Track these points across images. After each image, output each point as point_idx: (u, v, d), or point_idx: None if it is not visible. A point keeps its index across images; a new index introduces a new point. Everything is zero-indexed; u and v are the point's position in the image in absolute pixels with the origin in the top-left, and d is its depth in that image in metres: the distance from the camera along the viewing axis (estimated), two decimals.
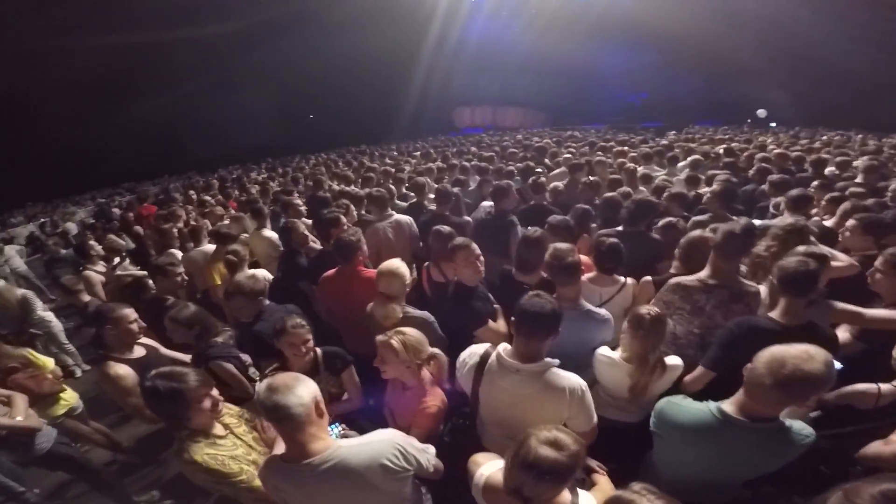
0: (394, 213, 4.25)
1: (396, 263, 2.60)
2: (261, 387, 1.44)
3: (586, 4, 21.54)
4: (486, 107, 26.99)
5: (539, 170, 5.77)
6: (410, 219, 4.19)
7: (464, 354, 2.06)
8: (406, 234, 4.11)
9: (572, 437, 1.31)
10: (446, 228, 3.18)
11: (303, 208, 4.78)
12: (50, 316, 4.85)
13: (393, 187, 5.79)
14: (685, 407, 1.68)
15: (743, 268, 2.59)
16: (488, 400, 1.94)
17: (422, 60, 22.68)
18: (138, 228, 6.65)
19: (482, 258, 2.68)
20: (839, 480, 1.56)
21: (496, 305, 2.72)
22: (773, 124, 17.76)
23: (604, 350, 2.23)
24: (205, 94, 19.22)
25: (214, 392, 1.83)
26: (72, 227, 9.01)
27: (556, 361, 1.86)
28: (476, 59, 23.83)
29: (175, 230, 5.16)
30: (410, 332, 2.12)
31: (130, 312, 2.61)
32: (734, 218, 3.55)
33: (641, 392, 2.07)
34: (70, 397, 3.34)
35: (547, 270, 2.43)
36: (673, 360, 2.13)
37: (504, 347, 1.93)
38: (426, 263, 3.39)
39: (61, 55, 15.26)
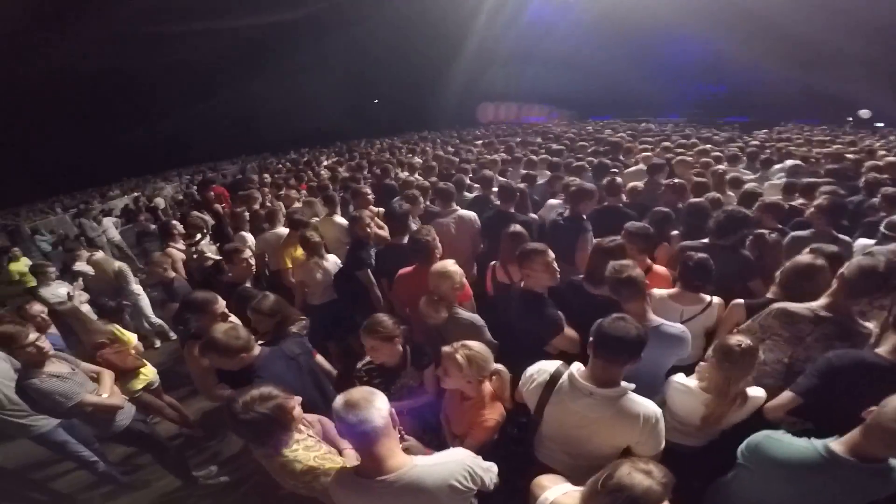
0: (458, 207, 4.21)
1: (448, 264, 2.59)
2: (338, 404, 1.45)
3: None
4: (511, 103, 26.16)
5: (614, 169, 5.45)
6: (474, 214, 4.12)
7: (531, 370, 2.01)
8: (469, 230, 4.05)
9: (663, 469, 1.25)
10: (520, 230, 3.09)
11: (371, 197, 4.85)
12: (139, 289, 5.28)
13: (460, 179, 5.73)
14: (787, 443, 1.63)
15: None
16: (555, 419, 1.89)
17: (465, 53, 22.40)
18: (218, 207, 7.09)
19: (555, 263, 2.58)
20: None
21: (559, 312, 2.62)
22: (881, 124, 15.69)
23: (680, 378, 2.12)
24: (278, 80, 20.21)
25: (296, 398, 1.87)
26: (160, 202, 9.85)
27: (632, 386, 1.79)
28: (515, 53, 23.13)
29: (248, 214, 5.42)
30: (476, 346, 2.09)
31: (219, 303, 2.73)
32: (840, 236, 3.21)
33: (716, 423, 1.98)
34: (149, 372, 3.53)
35: (609, 287, 2.30)
36: (755, 392, 2.00)
37: (578, 368, 1.87)
38: (493, 263, 3.33)
39: (161, 41, 16.55)
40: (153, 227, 7.01)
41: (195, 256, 4.98)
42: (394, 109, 22.96)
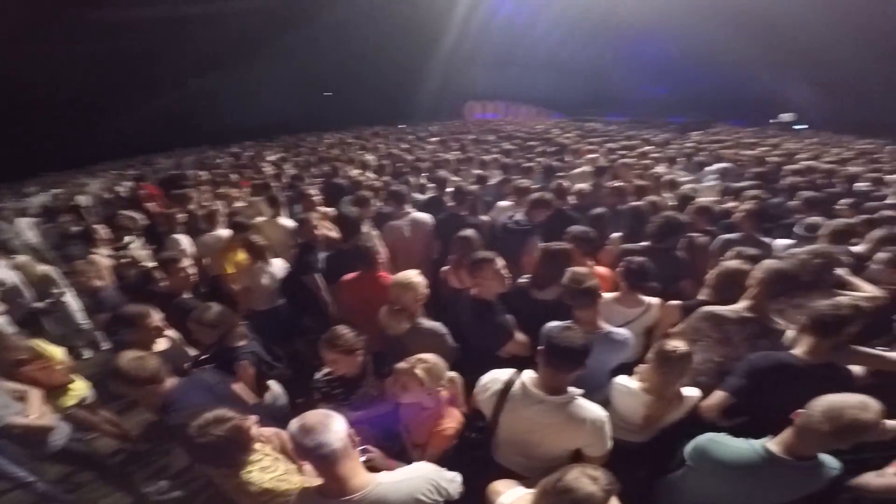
0: (412, 210, 4.16)
1: (411, 275, 2.56)
2: (294, 429, 1.44)
3: None
4: (499, 102, 26.42)
5: (561, 171, 5.61)
6: (430, 217, 4.10)
7: (485, 379, 2.06)
8: (424, 233, 4.03)
9: (610, 477, 1.32)
10: (472, 234, 3.10)
11: (317, 197, 4.69)
12: (68, 296, 4.81)
13: (413, 179, 5.69)
14: (730, 446, 1.76)
15: None
16: (509, 425, 1.97)
17: (438, 49, 22.21)
18: (150, 206, 6.60)
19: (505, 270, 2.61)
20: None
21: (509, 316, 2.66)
22: (800, 127, 17.25)
23: (622, 379, 2.24)
24: (221, 68, 19.02)
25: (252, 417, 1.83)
26: (83, 201, 9.00)
27: (580, 391, 1.89)
28: (493, 53, 23.31)
29: (183, 214, 5.09)
30: (431, 357, 2.10)
31: (153, 316, 2.59)
32: (766, 240, 3.47)
33: (656, 422, 2.12)
34: (80, 387, 3.28)
35: (564, 294, 2.38)
36: (691, 392, 2.15)
37: (529, 377, 1.94)
38: (444, 268, 3.32)
39: (83, 29, 15.07)
40: (75, 229, 6.40)
41: (125, 261, 4.61)
42: (348, 103, 22.26)
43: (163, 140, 16.10)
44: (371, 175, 6.22)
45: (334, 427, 1.43)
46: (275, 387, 2.87)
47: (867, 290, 2.65)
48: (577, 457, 1.94)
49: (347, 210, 3.77)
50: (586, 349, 1.81)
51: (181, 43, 17.21)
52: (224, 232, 4.49)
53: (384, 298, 2.71)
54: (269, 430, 2.05)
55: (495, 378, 2.02)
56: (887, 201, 4.51)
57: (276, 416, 2.50)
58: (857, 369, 2.30)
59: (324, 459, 1.41)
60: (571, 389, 1.87)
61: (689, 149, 7.67)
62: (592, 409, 1.87)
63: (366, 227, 3.92)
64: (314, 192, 4.74)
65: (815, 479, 1.68)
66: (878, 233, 3.20)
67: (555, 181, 4.56)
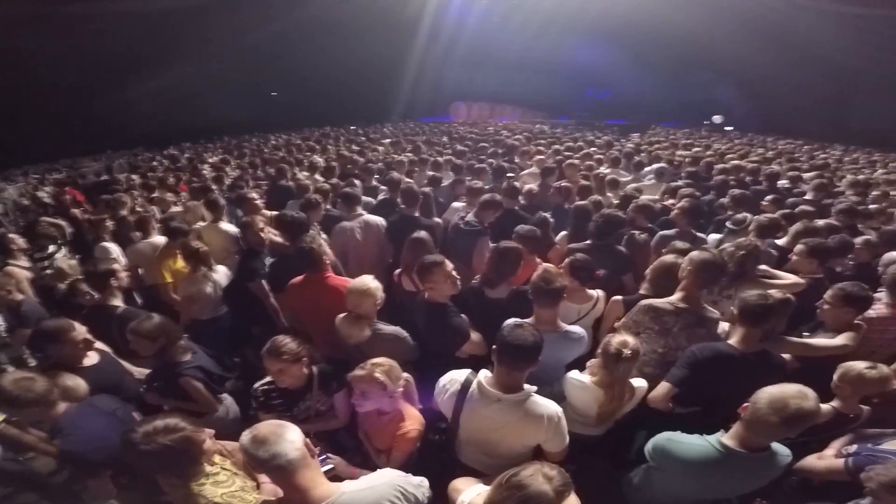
0: (363, 212, 4.09)
1: (367, 281, 2.50)
2: (245, 441, 1.39)
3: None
4: (484, 103, 26.43)
5: (510, 172, 5.72)
6: (382, 220, 4.04)
7: (444, 380, 2.06)
8: (376, 236, 3.97)
9: (566, 477, 1.33)
10: (423, 236, 3.09)
11: (260, 202, 4.50)
12: None
13: (363, 181, 5.59)
14: (687, 444, 1.81)
15: None
16: (469, 425, 1.98)
17: (411, 44, 21.86)
18: (76, 212, 6.08)
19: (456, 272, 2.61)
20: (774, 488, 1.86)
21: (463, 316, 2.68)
22: (729, 128, 18.76)
23: (575, 374, 2.29)
24: (156, 62, 17.75)
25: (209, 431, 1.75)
26: None
27: (534, 388, 1.91)
28: (469, 54, 23.33)
29: (112, 221, 4.74)
30: (384, 360, 2.08)
31: (77, 330, 2.40)
32: (700, 235, 3.71)
33: (610, 416, 2.19)
34: None
35: (532, 292, 2.41)
36: (639, 383, 2.24)
37: (485, 376, 1.95)
38: (397, 271, 3.29)
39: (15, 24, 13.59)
40: None
41: (48, 272, 4.21)
42: (300, 103, 21.36)
43: (91, 142, 14.84)
44: (319, 177, 6.05)
45: (288, 436, 1.39)
46: (227, 399, 2.73)
47: (788, 280, 2.90)
48: (538, 453, 1.97)
49: (293, 213, 3.64)
50: (538, 346, 1.83)
51: (110, 39, 15.95)
52: (159, 239, 4.22)
53: (333, 300, 2.64)
54: (233, 444, 1.94)
55: (453, 379, 2.02)
56: (805, 197, 4.96)
57: (230, 429, 2.38)
58: (786, 356, 2.48)
59: (280, 471, 1.36)
60: (527, 387, 1.89)
61: (630, 150, 8.08)
62: (548, 406, 1.90)
63: (314, 231, 3.81)
64: (258, 196, 4.54)
65: (771, 468, 1.76)
66: (797, 226, 3.51)
67: (505, 182, 4.63)
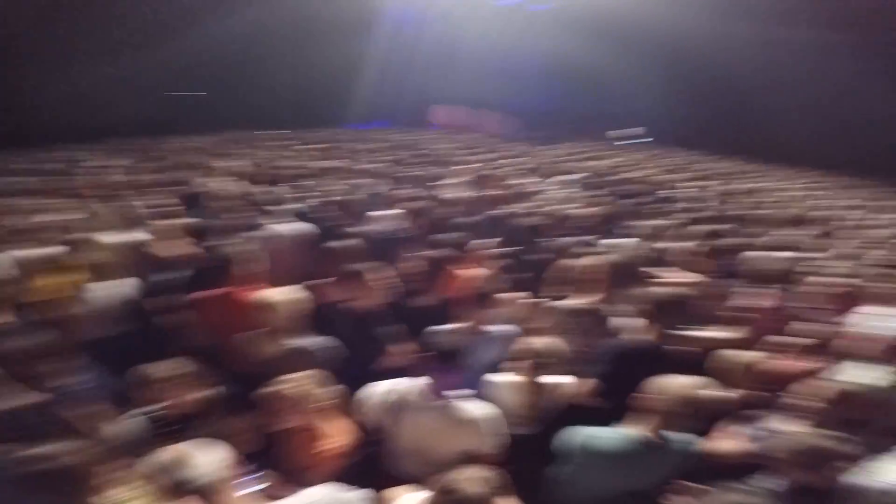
0: (285, 220, 3.91)
1: (284, 291, 2.40)
2: (155, 464, 1.33)
3: None
4: (463, 108, 26.17)
5: (438, 183, 5.83)
6: (302, 227, 3.89)
7: (371, 391, 2.03)
8: (300, 244, 3.79)
9: (502, 478, 1.36)
10: (343, 245, 3.02)
11: (170, 208, 4.12)
12: None
13: (279, 188, 5.35)
14: (604, 437, 1.88)
15: None
16: (402, 435, 1.94)
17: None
18: None
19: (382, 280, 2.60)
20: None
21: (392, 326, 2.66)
22: (633, 141, 20.70)
23: (501, 375, 2.34)
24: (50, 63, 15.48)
25: None
26: None
27: (466, 392, 1.94)
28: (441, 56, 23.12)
29: None
30: (301, 376, 1.99)
31: None
32: (610, 240, 4.01)
33: (536, 412, 2.24)
34: None
35: (465, 297, 2.49)
36: (564, 380, 2.32)
37: (414, 384, 1.94)
38: (321, 280, 3.18)
39: None
40: None
41: None
42: (227, 101, 19.70)
43: None
44: (237, 183, 5.70)
45: (205, 457, 1.34)
46: (129, 421, 2.45)
47: (686, 278, 3.22)
48: (475, 457, 1.95)
49: (206, 221, 3.39)
50: (466, 351, 1.88)
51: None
52: (48, 250, 3.71)
53: (250, 314, 2.50)
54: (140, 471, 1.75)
55: (381, 390, 1.99)
56: (705, 203, 5.58)
57: (136, 453, 2.14)
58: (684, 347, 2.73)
59: (198, 495, 1.29)
60: (458, 391, 1.90)
61: (551, 160, 8.60)
62: (479, 409, 1.93)
63: (230, 240, 3.59)
64: (166, 202, 4.17)
65: (683, 455, 1.84)
66: (695, 230, 3.93)
67: (433, 190, 4.70)
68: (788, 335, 2.78)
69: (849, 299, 2.97)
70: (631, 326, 2.65)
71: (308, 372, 2.01)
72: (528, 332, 2.82)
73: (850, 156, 13.96)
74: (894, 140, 13.94)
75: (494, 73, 24.00)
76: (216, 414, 2.16)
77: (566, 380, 2.34)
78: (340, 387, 2.16)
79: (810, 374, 2.32)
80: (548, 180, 7.07)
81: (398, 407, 1.92)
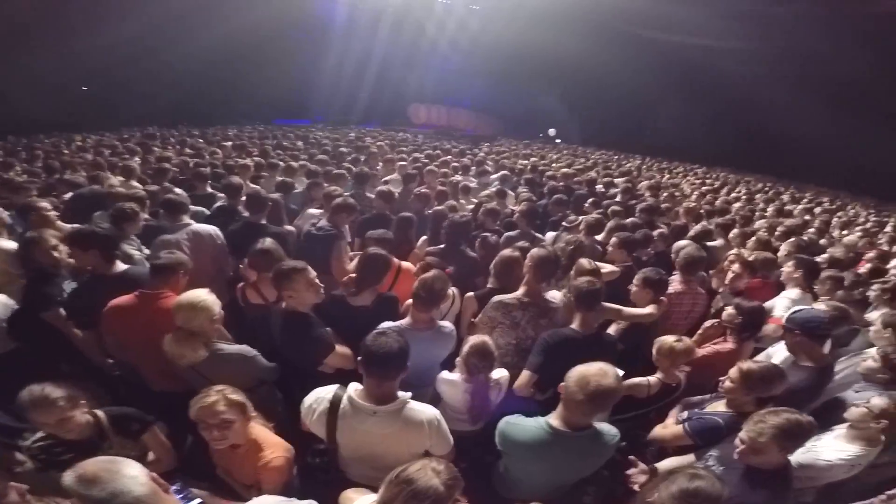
0: (192, 221, 3.57)
1: (199, 294, 2.19)
2: (71, 482, 1.20)
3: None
4: (442, 107, 25.16)
5: (371, 181, 5.67)
6: (215, 230, 3.57)
7: (309, 399, 1.89)
8: (210, 247, 3.50)
9: (454, 472, 1.34)
10: (271, 245, 2.81)
11: (52, 213, 3.57)
12: None
13: (195, 188, 4.91)
14: (521, 426, 1.88)
15: None
16: (348, 443, 1.85)
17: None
18: None
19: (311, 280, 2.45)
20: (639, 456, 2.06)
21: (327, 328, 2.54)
22: (559, 141, 22.03)
23: (445, 374, 2.36)
24: None
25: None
26: None
27: (409, 395, 1.87)
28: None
29: None
30: (225, 387, 1.85)
31: None
32: (538, 235, 4.14)
33: (482, 410, 2.28)
34: None
35: (423, 293, 2.38)
36: (500, 373, 2.37)
37: (355, 390, 1.83)
38: (240, 284, 2.96)
39: None
40: None
41: None
42: (123, 99, 17.46)
43: None
44: (136, 184, 5.13)
45: (127, 471, 1.23)
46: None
47: (606, 269, 3.42)
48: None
49: (99, 226, 3.00)
50: (404, 352, 1.78)
51: None
52: None
53: (169, 323, 2.24)
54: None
55: (320, 397, 1.87)
56: (616, 199, 5.96)
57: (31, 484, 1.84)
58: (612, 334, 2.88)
59: None
60: (401, 394, 1.83)
61: (479, 158, 8.77)
62: (425, 411, 1.86)
63: (128, 245, 3.23)
64: (45, 205, 3.61)
65: (599, 447, 1.84)
66: (610, 223, 4.19)
67: (365, 188, 4.57)
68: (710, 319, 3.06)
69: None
70: (556, 311, 2.76)
71: (226, 385, 1.86)
72: (464, 325, 2.89)
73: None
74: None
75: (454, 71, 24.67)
76: (117, 434, 1.96)
77: (503, 373, 2.38)
78: (276, 395, 2.04)
79: (731, 355, 2.56)
80: (479, 177, 7.21)
81: (337, 415, 1.81)
